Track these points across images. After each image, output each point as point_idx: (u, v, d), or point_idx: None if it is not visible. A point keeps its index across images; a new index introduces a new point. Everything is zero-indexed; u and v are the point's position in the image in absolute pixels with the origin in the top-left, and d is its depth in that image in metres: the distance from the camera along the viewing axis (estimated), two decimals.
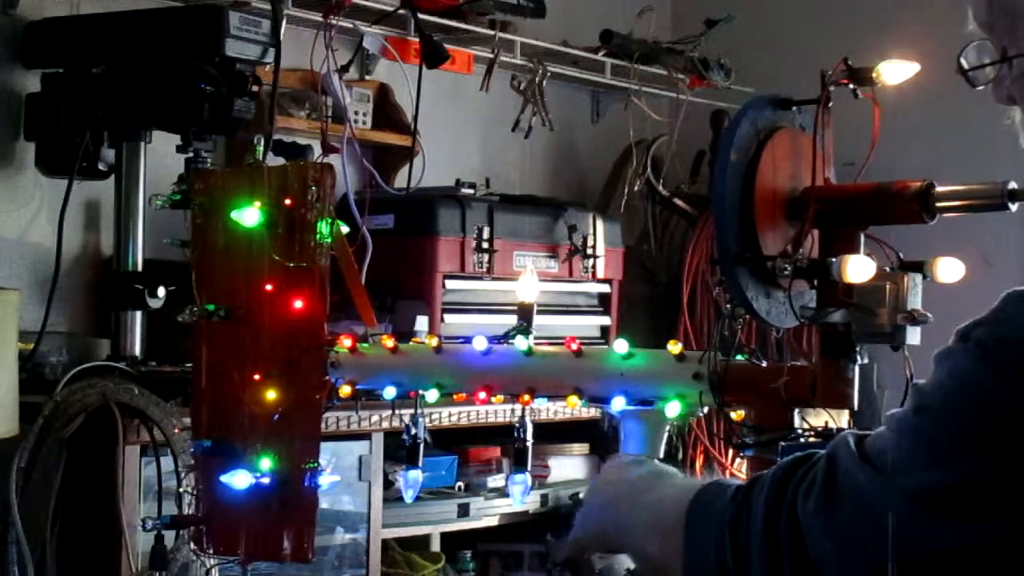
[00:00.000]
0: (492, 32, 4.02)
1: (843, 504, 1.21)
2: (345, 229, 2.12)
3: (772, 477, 1.32)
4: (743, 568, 1.30)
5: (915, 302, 1.70)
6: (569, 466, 4.01)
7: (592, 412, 3.52)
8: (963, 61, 1.32)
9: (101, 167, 3.16)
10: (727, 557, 1.31)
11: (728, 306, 1.78)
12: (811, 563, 1.23)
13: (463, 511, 3.62)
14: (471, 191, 3.84)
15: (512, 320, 2.05)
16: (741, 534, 1.31)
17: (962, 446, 1.14)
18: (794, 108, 1.85)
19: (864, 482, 1.20)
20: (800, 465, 1.31)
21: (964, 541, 1.14)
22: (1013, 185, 1.68)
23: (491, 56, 4.02)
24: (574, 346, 1.91)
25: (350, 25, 3.60)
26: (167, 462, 2.80)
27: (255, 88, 3.03)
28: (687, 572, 1.38)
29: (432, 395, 2.02)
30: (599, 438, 4.02)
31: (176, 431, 2.78)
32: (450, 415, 3.42)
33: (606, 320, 4.11)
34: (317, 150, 3.03)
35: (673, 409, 1.81)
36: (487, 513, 3.68)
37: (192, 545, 2.17)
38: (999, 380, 1.13)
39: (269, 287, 2.09)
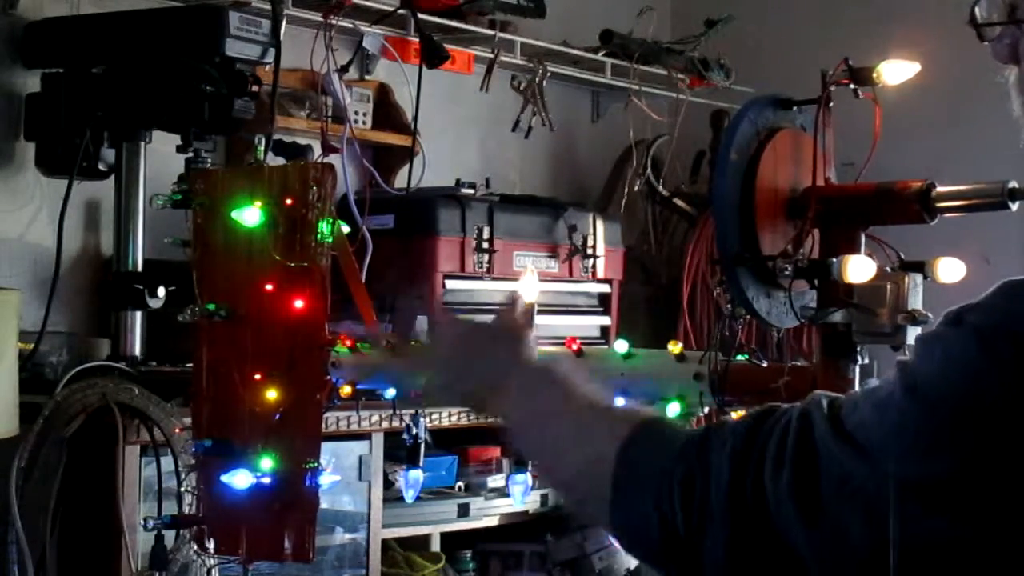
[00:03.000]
0: (492, 32, 4.02)
1: (823, 486, 1.16)
2: (345, 229, 2.12)
3: (734, 435, 1.23)
4: (697, 534, 1.21)
5: (915, 302, 1.70)
6: None
7: None
8: (977, 11, 1.29)
9: (101, 167, 3.16)
10: (676, 519, 1.22)
11: (728, 306, 1.78)
12: (783, 541, 1.17)
13: (463, 511, 3.62)
14: (471, 191, 3.84)
15: None
16: (697, 497, 1.22)
17: (957, 437, 1.10)
18: (794, 108, 1.85)
19: (846, 461, 1.15)
20: (764, 421, 1.22)
21: (954, 535, 1.11)
22: (1013, 184, 1.69)
23: (491, 56, 4.02)
24: (574, 346, 1.92)
25: (350, 25, 3.60)
26: (167, 462, 2.80)
27: (255, 88, 3.02)
28: (616, 524, 1.28)
29: None
30: None
31: (176, 431, 2.78)
32: (450, 415, 3.41)
33: (606, 320, 4.11)
34: (317, 150, 3.02)
35: (673, 409, 1.82)
36: (487, 513, 3.68)
37: (193, 545, 2.17)
38: (999, 372, 1.09)
39: (270, 287, 2.09)
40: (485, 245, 3.76)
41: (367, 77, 4.03)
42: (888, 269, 1.72)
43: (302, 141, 3.25)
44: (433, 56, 3.36)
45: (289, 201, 2.08)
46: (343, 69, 3.36)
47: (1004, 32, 1.25)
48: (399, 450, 2.40)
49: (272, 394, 2.08)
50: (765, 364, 1.81)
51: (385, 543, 3.41)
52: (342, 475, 3.02)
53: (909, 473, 1.12)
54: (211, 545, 2.14)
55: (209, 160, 3.06)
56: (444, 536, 3.71)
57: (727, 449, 1.22)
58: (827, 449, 1.17)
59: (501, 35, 4.05)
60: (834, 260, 1.70)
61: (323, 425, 2.12)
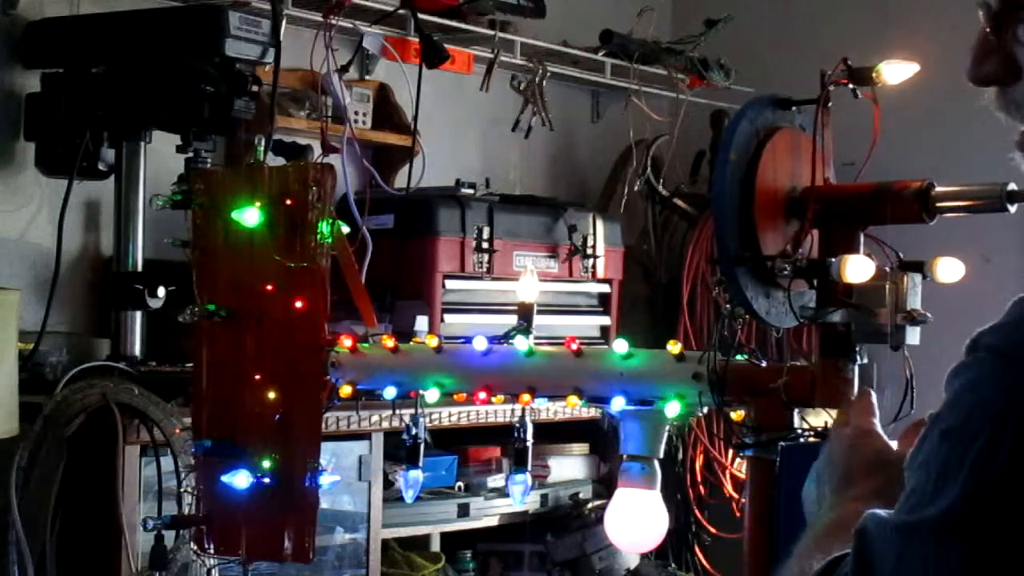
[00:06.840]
0: (492, 32, 4.02)
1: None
2: (345, 229, 2.12)
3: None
4: None
5: (915, 302, 1.70)
6: (569, 466, 4.01)
7: (592, 412, 3.52)
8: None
9: (101, 167, 3.16)
10: None
11: (728, 306, 1.78)
12: None
13: (463, 511, 3.63)
14: (471, 191, 3.84)
15: (512, 320, 2.05)
16: None
17: (993, 457, 1.06)
18: (794, 108, 1.85)
19: (891, 536, 1.11)
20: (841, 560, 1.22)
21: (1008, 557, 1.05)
22: (1012, 186, 1.68)
23: (491, 56, 4.02)
24: (574, 346, 1.92)
25: (350, 25, 3.60)
26: (167, 462, 2.80)
27: (255, 88, 3.02)
28: None
29: (432, 395, 2.03)
30: (599, 438, 4.03)
31: (176, 431, 2.78)
32: (450, 415, 3.42)
33: (606, 320, 4.11)
34: (317, 150, 3.03)
35: (673, 409, 1.82)
36: (487, 513, 3.68)
37: (193, 545, 2.17)
38: None
39: (270, 287, 2.09)
40: (485, 245, 3.76)
41: (367, 77, 4.03)
42: (887, 269, 1.72)
43: (302, 141, 3.25)
44: (433, 56, 3.37)
45: (289, 201, 2.08)
46: (343, 69, 3.37)
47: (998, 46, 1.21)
48: (399, 450, 2.40)
49: (272, 394, 2.08)
50: (764, 364, 1.81)
51: (385, 543, 3.41)
52: (342, 475, 3.02)
53: (950, 504, 1.07)
54: (211, 545, 2.14)
55: (209, 160, 3.07)
56: (444, 536, 3.71)
57: None
58: (876, 541, 1.14)
59: (501, 35, 4.05)
60: (833, 260, 1.70)
61: (323, 425, 2.12)
